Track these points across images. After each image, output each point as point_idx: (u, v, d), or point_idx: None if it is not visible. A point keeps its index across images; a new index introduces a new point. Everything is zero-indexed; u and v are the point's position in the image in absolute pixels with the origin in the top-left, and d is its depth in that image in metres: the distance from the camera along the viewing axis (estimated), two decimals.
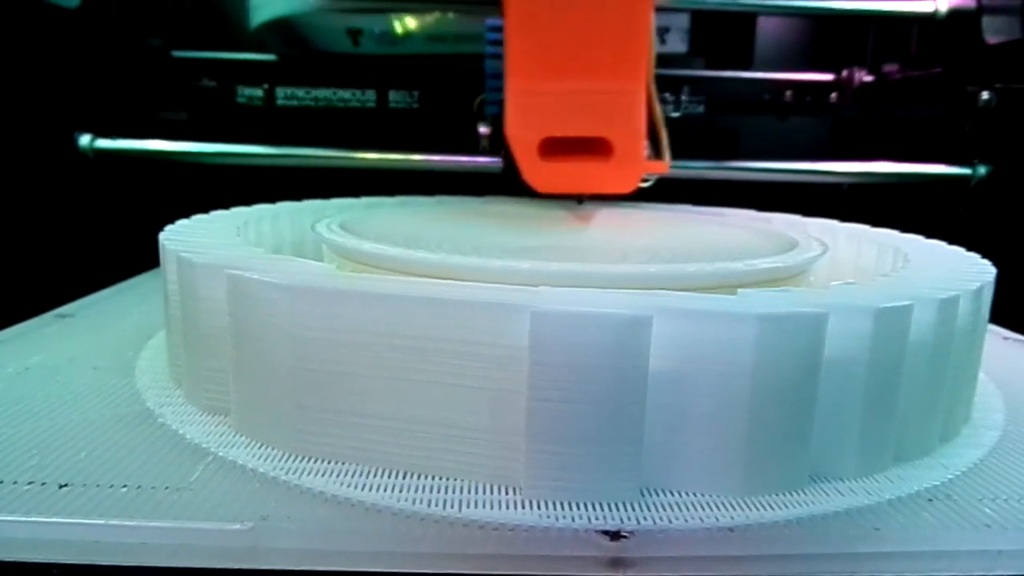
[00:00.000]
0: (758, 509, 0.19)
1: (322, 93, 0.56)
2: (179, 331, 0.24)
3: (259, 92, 0.56)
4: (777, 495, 0.19)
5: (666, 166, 0.40)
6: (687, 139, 0.57)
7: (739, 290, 0.21)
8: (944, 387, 0.22)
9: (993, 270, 0.25)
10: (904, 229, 0.35)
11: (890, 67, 0.56)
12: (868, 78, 0.57)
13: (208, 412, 0.23)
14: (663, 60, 0.61)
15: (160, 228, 0.29)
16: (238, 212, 0.35)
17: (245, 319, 0.21)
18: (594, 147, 0.37)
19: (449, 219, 0.37)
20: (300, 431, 0.20)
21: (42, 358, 0.28)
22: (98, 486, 0.19)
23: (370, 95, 0.56)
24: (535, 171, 0.37)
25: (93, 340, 0.31)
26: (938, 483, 0.20)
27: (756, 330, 0.18)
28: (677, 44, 0.61)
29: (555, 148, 0.38)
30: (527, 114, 0.37)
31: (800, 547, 0.17)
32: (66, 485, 0.19)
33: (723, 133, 0.57)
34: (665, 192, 0.49)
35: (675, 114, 0.56)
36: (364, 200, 0.43)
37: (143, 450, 0.21)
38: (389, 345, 0.19)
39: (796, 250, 0.28)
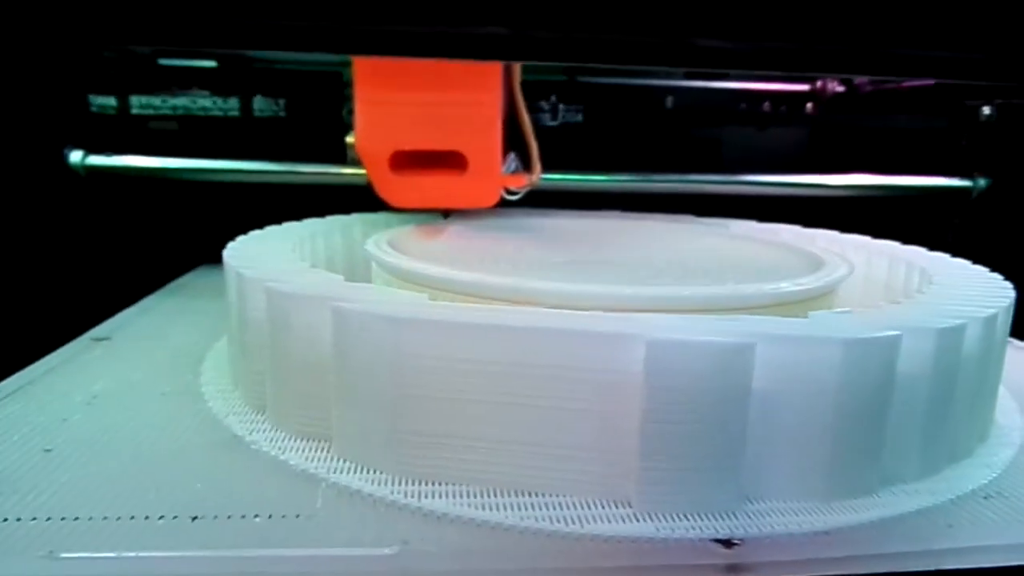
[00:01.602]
0: (845, 513, 0.21)
1: (180, 102, 0.54)
2: (266, 359, 0.25)
3: (112, 101, 0.53)
4: (856, 499, 0.21)
5: (526, 179, 0.40)
6: (670, 148, 0.60)
7: (810, 313, 0.23)
8: (985, 394, 0.24)
9: (1010, 285, 0.28)
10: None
11: (860, 79, 0.59)
12: (840, 89, 0.60)
13: (302, 438, 0.24)
14: (645, 70, 0.64)
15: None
16: (273, 232, 0.35)
17: (350, 349, 0.22)
18: (449, 160, 0.37)
19: (473, 236, 0.38)
20: (411, 455, 0.22)
21: (103, 385, 0.28)
22: (229, 517, 0.20)
23: (233, 103, 0.54)
24: (387, 185, 0.37)
25: (145, 365, 0.31)
26: (987, 481, 0.23)
27: (842, 352, 0.20)
28: None
29: (409, 161, 0.37)
30: (376, 126, 0.36)
31: (889, 546, 0.19)
32: (197, 517, 0.20)
33: (706, 143, 0.60)
34: (655, 201, 0.51)
35: (552, 123, 0.57)
36: (382, 216, 0.44)
37: (253, 478, 0.22)
38: (501, 372, 0.20)
39: (827, 268, 0.30)
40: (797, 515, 0.20)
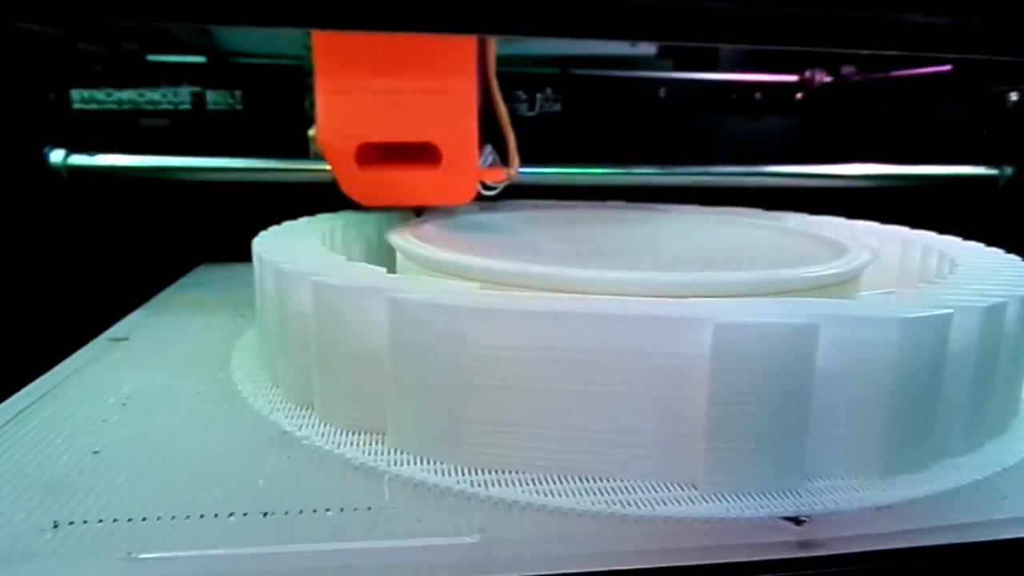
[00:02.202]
0: (902, 487, 0.21)
1: (126, 95, 0.51)
2: (312, 354, 0.24)
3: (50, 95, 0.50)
4: (911, 474, 0.22)
5: (505, 173, 0.36)
6: (662, 138, 0.60)
7: (859, 294, 0.23)
8: (1019, 370, 0.25)
9: None
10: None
11: (848, 69, 0.61)
12: (828, 79, 0.61)
13: (353, 431, 0.24)
14: (634, 63, 0.64)
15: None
16: (292, 227, 0.35)
17: (409, 340, 0.22)
18: (420, 154, 0.34)
19: (483, 227, 0.38)
20: (474, 445, 0.21)
21: (133, 386, 0.28)
22: (300, 512, 0.19)
23: (184, 95, 0.52)
24: (353, 182, 0.34)
25: (170, 365, 0.30)
26: None
27: (899, 331, 0.21)
28: (647, 45, 0.64)
29: (376, 155, 0.34)
30: (340, 117, 0.33)
31: (950, 518, 0.20)
32: (268, 513, 0.19)
33: (700, 134, 0.60)
34: (648, 192, 0.51)
35: (529, 113, 0.55)
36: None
37: (313, 473, 0.22)
38: (567, 359, 0.21)
39: (852, 252, 0.31)
40: (858, 491, 0.21)
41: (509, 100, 0.38)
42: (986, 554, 0.19)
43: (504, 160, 0.37)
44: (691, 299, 0.22)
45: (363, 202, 0.35)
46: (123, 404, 0.26)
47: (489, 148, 0.37)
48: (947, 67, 0.52)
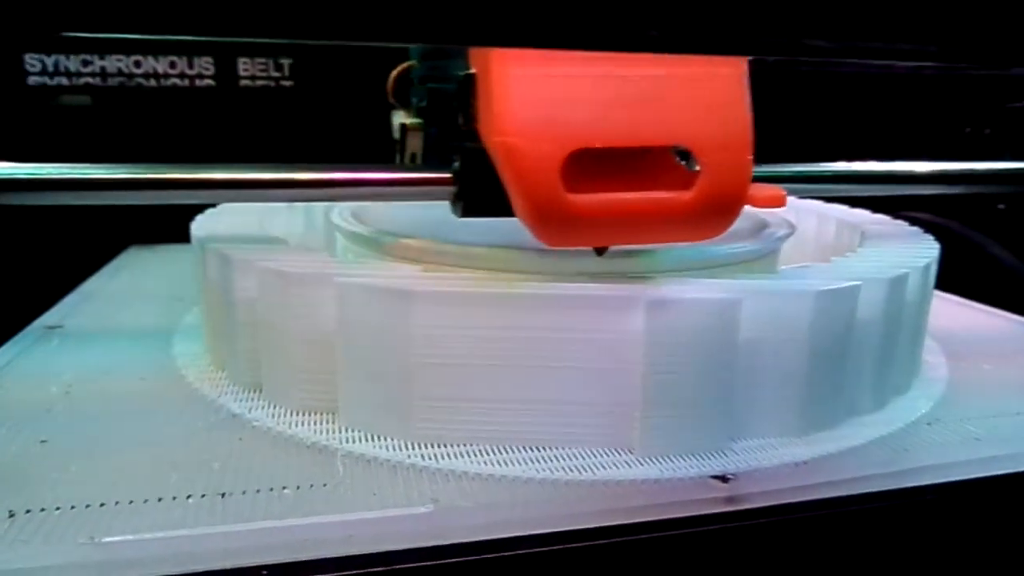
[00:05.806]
0: (817, 444, 0.23)
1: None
2: (261, 338, 0.25)
3: None
4: (825, 431, 0.24)
5: (782, 193, 0.23)
6: None
7: (781, 268, 0.25)
8: (919, 334, 0.27)
9: (932, 237, 0.31)
10: None
11: None
12: None
13: (304, 412, 0.24)
14: None
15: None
16: (229, 210, 0.35)
17: (358, 324, 0.23)
18: (644, 169, 0.22)
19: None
20: (423, 420, 0.23)
21: (75, 374, 0.28)
22: (257, 491, 0.20)
23: (203, 66, 0.40)
24: (553, 211, 0.20)
25: (110, 351, 0.30)
26: (926, 411, 0.26)
27: (814, 303, 0.22)
28: None
29: (582, 172, 0.20)
30: (537, 108, 0.20)
31: (861, 469, 0.22)
32: (226, 494, 0.20)
33: None
34: None
35: None
36: None
37: (267, 454, 0.22)
38: (510, 338, 0.22)
39: (772, 228, 0.33)
40: (777, 449, 0.23)
41: None
42: (888, 500, 0.22)
43: None
44: (625, 276, 0.23)
45: (558, 244, 0.22)
46: (66, 392, 0.26)
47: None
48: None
